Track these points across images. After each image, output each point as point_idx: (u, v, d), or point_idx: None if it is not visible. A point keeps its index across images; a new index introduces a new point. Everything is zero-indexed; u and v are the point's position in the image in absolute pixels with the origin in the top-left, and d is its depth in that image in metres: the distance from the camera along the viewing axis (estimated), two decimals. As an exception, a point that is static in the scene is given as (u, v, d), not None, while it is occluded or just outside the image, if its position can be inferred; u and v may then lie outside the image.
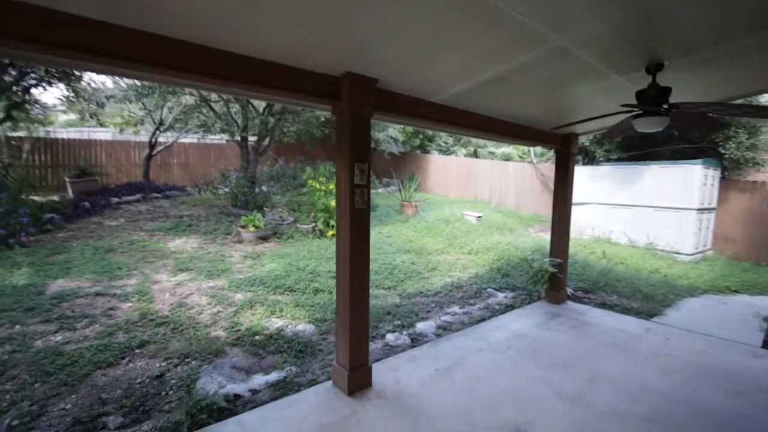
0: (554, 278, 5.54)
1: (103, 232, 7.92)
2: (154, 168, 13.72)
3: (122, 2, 1.80)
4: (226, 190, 10.61)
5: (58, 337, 3.91)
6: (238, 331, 4.27)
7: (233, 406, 3.00)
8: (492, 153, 21.27)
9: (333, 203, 8.70)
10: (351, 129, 2.82)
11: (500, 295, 5.98)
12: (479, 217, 10.75)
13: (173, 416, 2.81)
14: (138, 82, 9.33)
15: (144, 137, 14.81)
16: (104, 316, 4.41)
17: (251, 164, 10.80)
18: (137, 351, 3.77)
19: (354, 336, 3.03)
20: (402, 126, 17.55)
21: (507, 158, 19.69)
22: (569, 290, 6.00)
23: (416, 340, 4.26)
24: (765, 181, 9.03)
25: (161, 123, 12.16)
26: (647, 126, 3.22)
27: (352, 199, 2.89)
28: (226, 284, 5.60)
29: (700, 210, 8.45)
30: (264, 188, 10.35)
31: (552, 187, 13.13)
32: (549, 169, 13.30)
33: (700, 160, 8.50)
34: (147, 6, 1.85)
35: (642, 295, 5.97)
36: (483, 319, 4.92)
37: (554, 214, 5.72)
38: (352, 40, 2.37)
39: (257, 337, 4.16)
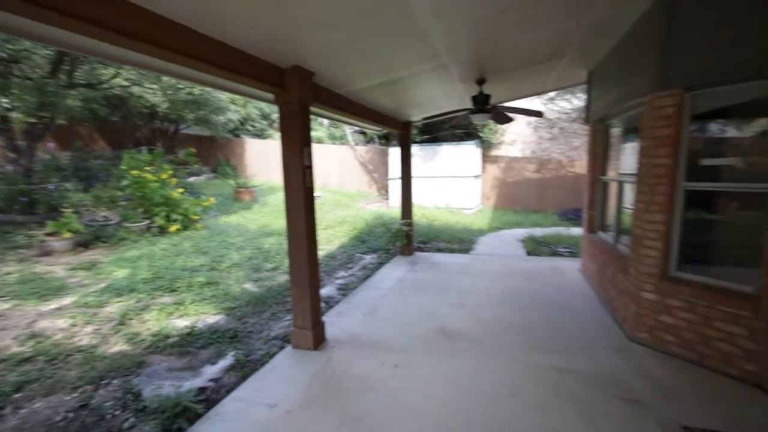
0: (407, 236, 7.08)
1: None
2: None
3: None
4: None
5: None
6: (143, 340, 3.84)
7: (206, 396, 3.01)
8: (304, 137, 22.16)
9: (174, 194, 7.81)
10: (299, 117, 3.19)
11: (367, 258, 7.14)
12: (318, 196, 11.61)
13: (150, 426, 2.64)
14: None
15: None
16: None
17: (24, 154, 8.15)
18: (17, 396, 2.99)
19: (313, 299, 3.49)
20: (238, 109, 16.15)
21: (318, 141, 21.01)
22: (415, 244, 7.73)
23: (329, 302, 4.90)
24: (502, 155, 13.51)
25: None
26: (479, 119, 4.85)
27: (305, 179, 3.29)
28: (80, 301, 4.61)
29: (475, 177, 12.01)
30: (67, 184, 8.05)
31: (370, 167, 15.15)
32: (365, 151, 15.33)
33: (473, 141, 11.99)
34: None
35: (457, 240, 8.33)
36: (367, 277, 5.94)
37: (402, 185, 7.18)
38: (302, 37, 2.71)
39: (171, 340, 3.88)
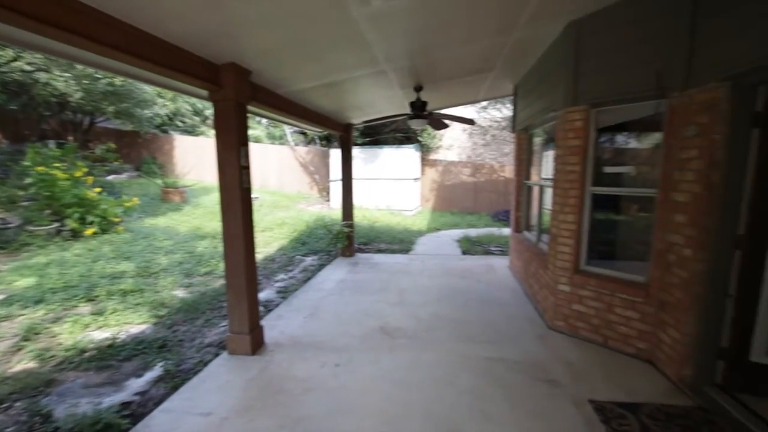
0: (348, 237, 7.12)
1: None
2: None
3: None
4: None
5: None
6: (54, 356, 3.46)
7: (132, 411, 2.80)
8: (241, 135, 21.17)
9: (90, 194, 7.07)
10: (235, 115, 3.10)
11: (308, 260, 7.06)
12: (256, 198, 11.20)
13: (64, 446, 2.41)
14: None
15: None
16: None
17: None
18: None
19: (251, 302, 3.40)
20: (167, 103, 14.96)
21: (257, 140, 20.27)
22: (356, 245, 7.80)
23: (268, 306, 4.78)
24: (440, 159, 14.12)
25: None
26: (417, 124, 5.05)
27: (241, 179, 3.20)
28: (-29, 316, 4.01)
29: (415, 180, 12.39)
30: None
31: (311, 168, 14.95)
32: (306, 152, 15.09)
33: (412, 145, 12.36)
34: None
35: (398, 240, 8.55)
36: (308, 279, 5.89)
37: (343, 187, 7.22)
38: (239, 35, 2.64)
39: (88, 354, 3.54)
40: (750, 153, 2.51)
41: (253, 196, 3.46)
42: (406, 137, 13.88)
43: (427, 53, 3.56)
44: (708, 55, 2.62)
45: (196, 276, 5.76)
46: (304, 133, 17.11)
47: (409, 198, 12.51)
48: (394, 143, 13.53)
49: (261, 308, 4.66)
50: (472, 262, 6.85)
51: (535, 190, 5.50)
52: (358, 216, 10.97)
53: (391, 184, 12.52)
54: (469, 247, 8.09)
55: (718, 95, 2.52)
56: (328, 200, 13.58)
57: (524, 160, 5.82)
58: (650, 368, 3.18)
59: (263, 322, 4.12)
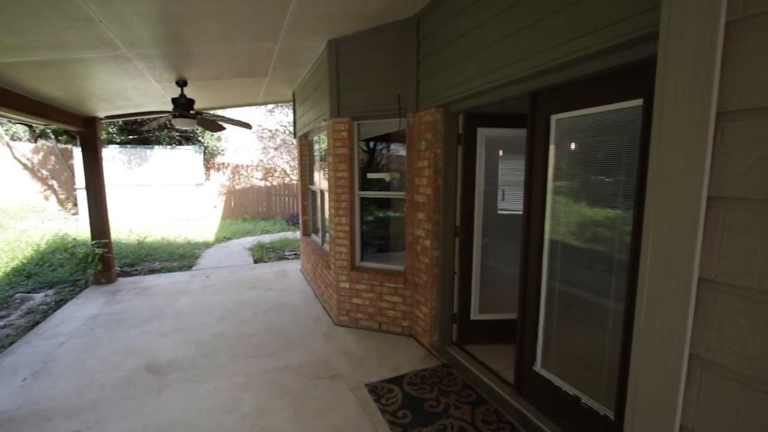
0: (104, 259, 5.68)
1: None
2: None
3: None
4: None
5: None
6: None
7: None
8: None
9: None
10: None
11: (38, 297, 5.23)
12: (-65, 217, 7.53)
13: None
14: None
15: None
16: None
17: None
18: None
19: None
20: None
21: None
22: (118, 268, 6.31)
23: (-47, 378, 3.25)
24: (228, 162, 13.08)
25: None
26: (183, 124, 4.48)
27: None
28: None
29: (198, 185, 11.01)
30: None
31: (43, 172, 11.38)
32: (33, 150, 11.27)
33: (191, 146, 10.92)
34: None
35: (177, 256, 7.42)
36: (36, 323, 4.35)
37: (89, 197, 5.70)
38: None
39: None
40: (458, 164, 3.32)
41: None
42: (185, 137, 12.25)
43: (180, 45, 3.15)
44: (427, 86, 3.31)
45: None
46: (30, 126, 12.62)
47: (191, 206, 11.08)
48: (169, 143, 11.67)
49: (-63, 384, 3.14)
50: (265, 269, 6.64)
51: (319, 195, 5.78)
52: (123, 231, 8.97)
53: (168, 191, 10.76)
54: (262, 254, 7.82)
55: (435, 118, 3.23)
56: (76, 213, 10.52)
57: (307, 165, 6.02)
58: (413, 342, 3.81)
59: (-61, 406, 2.78)
